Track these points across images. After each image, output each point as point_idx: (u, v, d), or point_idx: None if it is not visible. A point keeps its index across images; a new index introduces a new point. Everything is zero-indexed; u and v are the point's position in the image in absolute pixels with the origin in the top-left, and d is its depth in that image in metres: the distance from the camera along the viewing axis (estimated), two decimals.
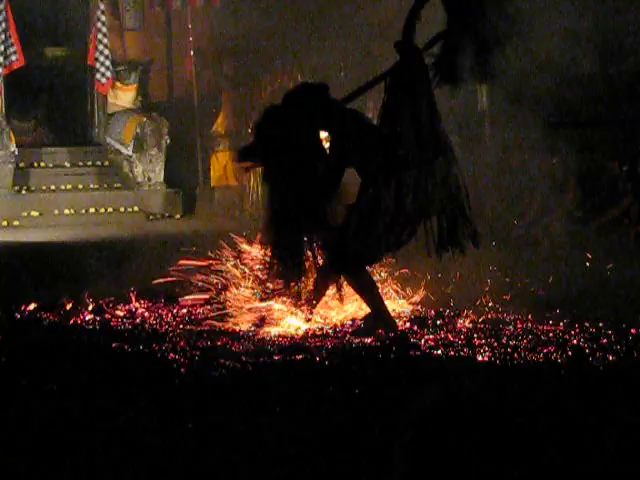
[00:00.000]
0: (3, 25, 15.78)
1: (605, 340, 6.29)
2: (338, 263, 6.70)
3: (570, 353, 5.96)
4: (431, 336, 6.59)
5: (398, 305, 7.46)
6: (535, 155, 13.16)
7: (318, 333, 6.75)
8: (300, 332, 6.75)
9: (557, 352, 5.98)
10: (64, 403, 4.89)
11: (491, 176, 13.37)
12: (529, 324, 6.86)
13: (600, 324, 6.72)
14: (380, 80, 6.69)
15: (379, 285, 7.12)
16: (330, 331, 6.81)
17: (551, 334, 6.54)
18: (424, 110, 6.44)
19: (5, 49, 15.85)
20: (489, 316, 7.15)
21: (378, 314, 6.77)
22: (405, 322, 7.03)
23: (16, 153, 15.96)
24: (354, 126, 6.69)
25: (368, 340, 6.49)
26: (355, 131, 6.66)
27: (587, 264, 8.96)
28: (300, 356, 6.00)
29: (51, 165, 16.87)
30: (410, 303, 7.53)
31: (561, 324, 6.81)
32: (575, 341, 6.31)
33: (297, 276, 6.63)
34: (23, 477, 3.98)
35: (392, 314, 6.93)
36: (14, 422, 4.62)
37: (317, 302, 6.87)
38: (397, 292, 7.56)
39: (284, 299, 6.93)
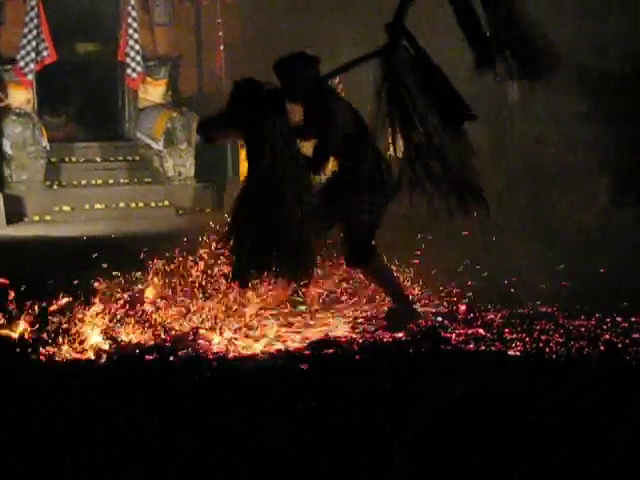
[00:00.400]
0: (35, 21, 15.85)
1: (637, 335, 6.24)
2: (353, 257, 6.64)
3: (602, 347, 5.92)
4: (462, 330, 6.56)
5: (427, 299, 7.45)
6: (569, 145, 13.10)
7: (346, 327, 6.73)
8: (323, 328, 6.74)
9: (589, 346, 5.94)
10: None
11: (523, 167, 13.32)
12: (561, 317, 6.81)
13: (632, 318, 6.67)
14: (364, 60, 6.26)
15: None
16: (359, 326, 6.79)
17: (583, 328, 6.50)
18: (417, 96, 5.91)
19: (37, 45, 15.93)
20: (521, 310, 7.10)
21: (401, 303, 6.72)
22: (435, 316, 7.00)
23: (48, 148, 16.03)
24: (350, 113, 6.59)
25: (399, 335, 6.46)
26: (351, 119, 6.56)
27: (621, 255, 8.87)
28: (330, 350, 5.99)
29: (82, 160, 16.95)
30: (440, 296, 7.51)
31: (593, 318, 6.76)
32: (607, 335, 6.26)
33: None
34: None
35: (423, 308, 6.90)
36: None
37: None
38: (426, 285, 7.54)
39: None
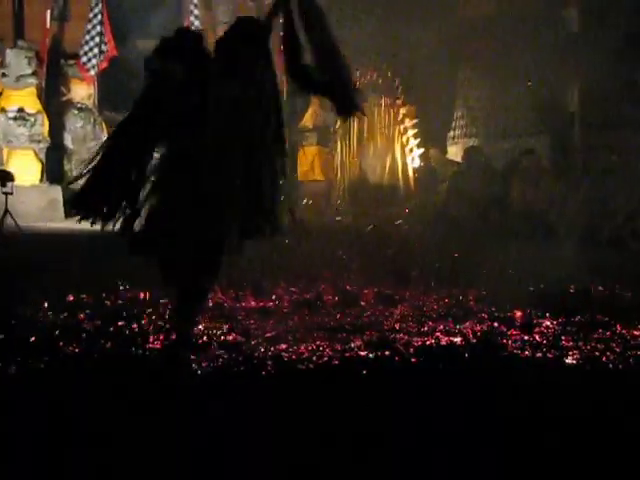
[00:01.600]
0: (99, 17, 16.03)
1: None
2: None
3: None
4: (518, 337, 6.53)
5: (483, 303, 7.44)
6: (625, 156, 13.02)
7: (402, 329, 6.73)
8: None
9: None
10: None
11: (578, 176, 13.25)
12: (616, 326, 6.76)
13: None
14: None
15: None
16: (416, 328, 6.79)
17: None
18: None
19: (100, 41, 16.11)
20: (575, 318, 7.06)
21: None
22: (492, 322, 6.98)
23: None
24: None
25: (456, 340, 6.45)
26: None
27: None
28: (387, 352, 5.99)
29: None
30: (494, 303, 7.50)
31: None
32: None
33: None
34: None
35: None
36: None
37: None
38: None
39: None
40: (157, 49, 6.33)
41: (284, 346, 6.09)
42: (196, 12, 16.62)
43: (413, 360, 5.81)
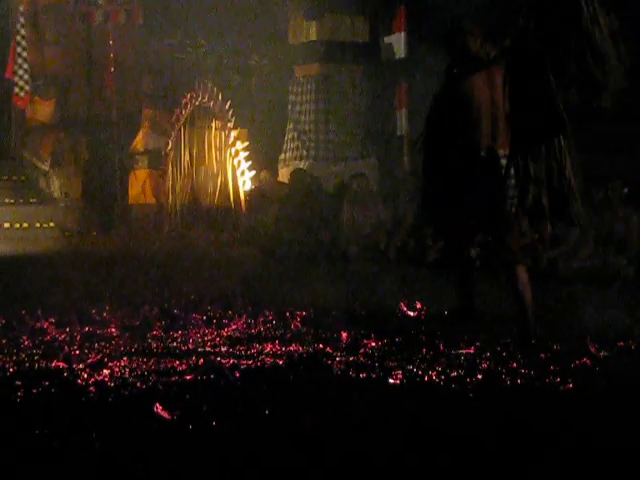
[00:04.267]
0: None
1: None
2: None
3: None
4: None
5: None
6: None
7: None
8: None
9: None
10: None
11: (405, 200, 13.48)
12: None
13: None
14: None
15: None
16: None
17: None
18: None
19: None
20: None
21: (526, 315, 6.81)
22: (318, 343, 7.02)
23: None
24: None
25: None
26: None
27: None
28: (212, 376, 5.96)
29: None
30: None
31: None
32: None
33: None
34: None
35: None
36: None
37: None
38: None
39: None
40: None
41: (107, 371, 6.02)
42: (22, 32, 16.30)
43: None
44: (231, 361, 6.40)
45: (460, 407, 5.29)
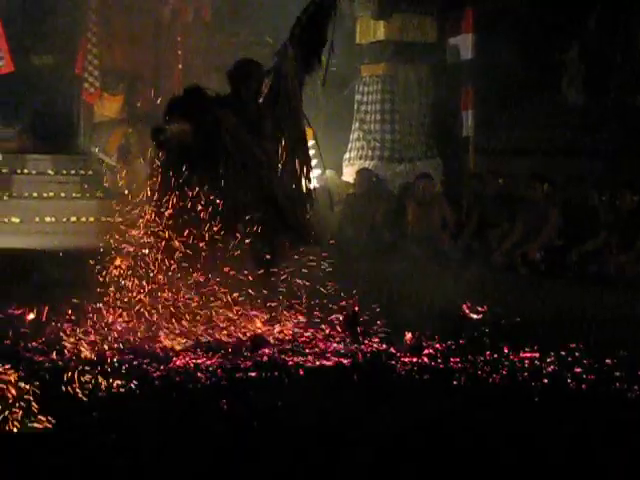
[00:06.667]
0: None
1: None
2: None
3: None
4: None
5: None
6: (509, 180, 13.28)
7: None
8: None
9: None
10: None
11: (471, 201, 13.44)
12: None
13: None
14: None
15: None
16: None
17: None
18: None
19: None
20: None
21: None
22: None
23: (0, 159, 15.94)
24: None
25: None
26: None
27: None
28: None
29: (34, 172, 16.84)
30: None
31: None
32: None
33: None
34: None
35: None
36: None
37: None
38: None
39: None
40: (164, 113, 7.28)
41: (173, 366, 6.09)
42: (94, 28, 16.47)
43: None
44: (295, 359, 6.44)
45: (525, 411, 5.27)
